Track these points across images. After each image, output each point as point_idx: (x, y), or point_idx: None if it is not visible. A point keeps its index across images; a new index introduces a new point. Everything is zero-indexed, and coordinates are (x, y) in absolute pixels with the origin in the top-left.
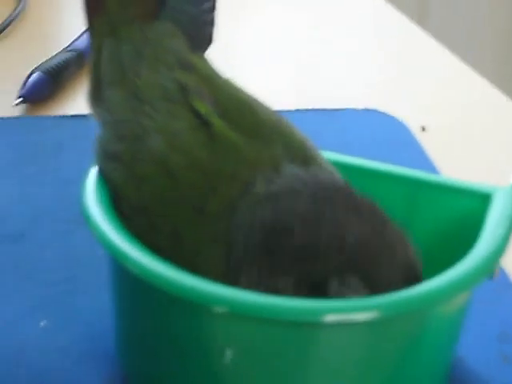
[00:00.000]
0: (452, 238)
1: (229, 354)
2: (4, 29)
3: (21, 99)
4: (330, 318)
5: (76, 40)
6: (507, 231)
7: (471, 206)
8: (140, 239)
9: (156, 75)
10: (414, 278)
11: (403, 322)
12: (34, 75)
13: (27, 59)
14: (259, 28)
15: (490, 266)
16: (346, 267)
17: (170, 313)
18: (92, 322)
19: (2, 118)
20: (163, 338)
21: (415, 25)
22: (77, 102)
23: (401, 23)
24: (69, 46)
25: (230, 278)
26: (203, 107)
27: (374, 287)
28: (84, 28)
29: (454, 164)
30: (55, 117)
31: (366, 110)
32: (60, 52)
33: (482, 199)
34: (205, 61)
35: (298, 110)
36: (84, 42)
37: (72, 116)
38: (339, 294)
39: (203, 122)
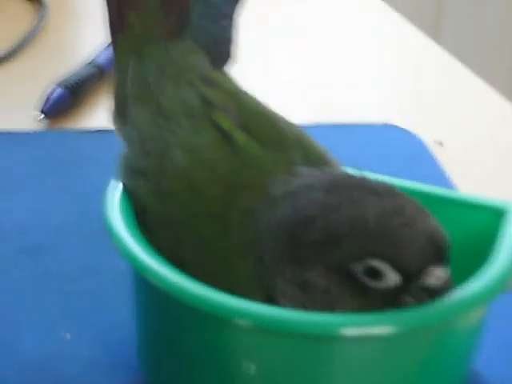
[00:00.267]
0: (467, 252)
1: (250, 366)
2: (26, 43)
3: (42, 114)
4: (349, 331)
5: (96, 55)
6: None
7: (486, 221)
8: (165, 253)
9: (179, 92)
10: (440, 248)
11: (421, 336)
12: (55, 90)
13: (48, 73)
14: (280, 43)
15: (507, 281)
16: (370, 249)
17: (193, 326)
18: (114, 333)
19: (24, 133)
20: (185, 350)
21: (431, 40)
22: (97, 116)
23: (417, 39)
24: (89, 60)
25: (260, 283)
26: (226, 122)
27: (401, 265)
28: (104, 43)
29: (471, 179)
30: (76, 131)
31: (384, 125)
32: (80, 67)
33: (497, 214)
34: (227, 76)
35: (316, 125)
36: (104, 56)
37: (92, 130)
38: (367, 278)
39: (226, 137)
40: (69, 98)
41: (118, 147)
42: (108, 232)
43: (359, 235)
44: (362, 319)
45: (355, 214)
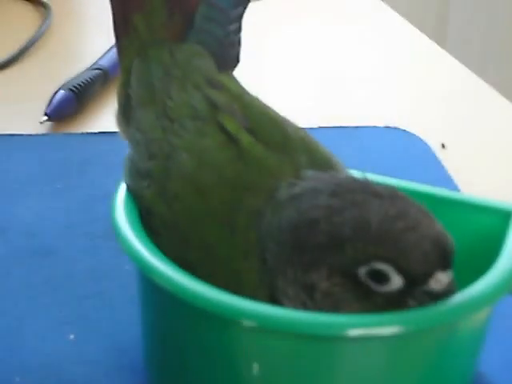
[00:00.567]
0: (472, 254)
1: (256, 367)
2: (29, 46)
3: (46, 117)
4: (355, 332)
5: (101, 58)
6: None
7: (491, 224)
8: (171, 255)
9: (185, 94)
10: (445, 253)
11: (426, 337)
12: (60, 93)
13: (52, 77)
14: (281, 47)
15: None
16: (374, 252)
17: (198, 326)
18: (120, 335)
19: (29, 135)
20: (191, 350)
21: (434, 43)
22: (101, 119)
23: (421, 42)
24: (93, 63)
25: (265, 285)
26: (232, 124)
27: (405, 269)
28: (108, 46)
29: (474, 181)
30: (81, 134)
31: (387, 128)
32: (85, 70)
33: (502, 216)
34: (233, 79)
35: (320, 128)
36: (109, 59)
37: (97, 133)
38: (371, 281)
39: (231, 139)
40: (73, 100)
41: (124, 150)
42: (114, 234)
43: (363, 238)
44: (368, 320)
45: (359, 217)
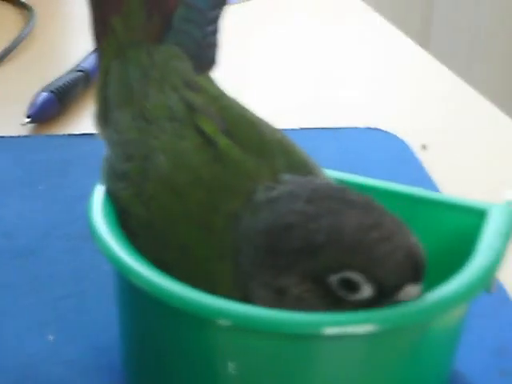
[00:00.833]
0: (449, 253)
1: (233, 366)
2: (12, 49)
3: (29, 119)
4: (330, 330)
5: (83, 60)
6: (502, 246)
7: (467, 222)
8: (148, 256)
9: (162, 96)
10: (417, 265)
11: (401, 335)
12: (42, 95)
13: (35, 79)
14: (262, 48)
15: (486, 280)
16: (347, 261)
17: (175, 326)
18: (98, 335)
19: (11, 137)
20: (168, 350)
21: (416, 44)
22: (83, 121)
23: (402, 43)
24: (76, 65)
25: (239, 287)
26: (209, 126)
27: (377, 279)
28: (91, 48)
29: (454, 182)
30: (62, 136)
31: (368, 129)
32: (67, 72)
33: (478, 215)
34: (210, 81)
35: (301, 129)
36: (91, 62)
37: (79, 135)
38: (342, 289)
39: (209, 141)
40: (55, 102)
41: (105, 151)
42: (91, 234)
43: (337, 247)
44: (344, 318)
45: (334, 225)
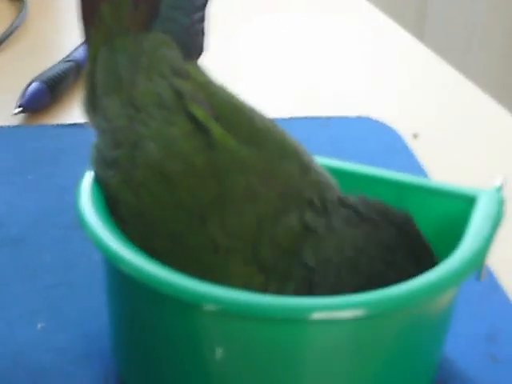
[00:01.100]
0: (438, 239)
1: (220, 351)
2: (4, 39)
3: (20, 109)
4: (318, 315)
5: (74, 50)
6: (491, 231)
7: (457, 208)
8: (137, 243)
9: (151, 83)
10: None
11: (390, 319)
12: (33, 85)
13: (27, 69)
14: (253, 37)
15: (474, 265)
16: None
17: (162, 312)
18: (88, 323)
19: (2, 127)
20: (156, 336)
21: (408, 33)
22: (75, 111)
23: (394, 32)
24: (67, 56)
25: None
26: (200, 112)
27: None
28: (82, 39)
29: (445, 170)
30: (53, 125)
31: (359, 118)
32: (59, 62)
33: (468, 202)
34: (198, 68)
35: (292, 118)
36: (82, 52)
37: (70, 125)
38: None
39: (199, 128)
40: (47, 92)
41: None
42: (78, 219)
43: None
44: (330, 302)
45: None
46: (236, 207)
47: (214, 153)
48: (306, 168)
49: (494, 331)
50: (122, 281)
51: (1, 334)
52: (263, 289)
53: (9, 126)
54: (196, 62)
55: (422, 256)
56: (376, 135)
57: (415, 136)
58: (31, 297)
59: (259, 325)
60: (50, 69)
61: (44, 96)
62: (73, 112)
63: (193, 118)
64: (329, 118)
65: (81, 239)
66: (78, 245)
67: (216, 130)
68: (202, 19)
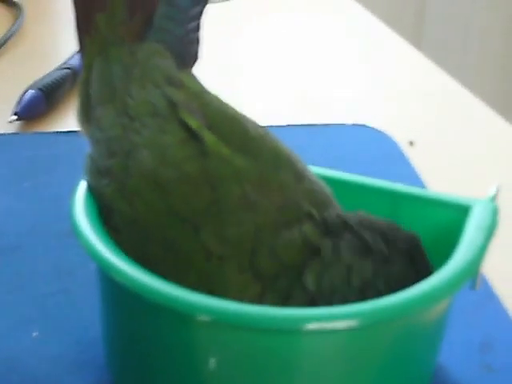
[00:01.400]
0: (432, 248)
1: (213, 362)
2: (0, 46)
3: (16, 116)
4: (312, 326)
5: (71, 58)
6: (484, 241)
7: (451, 218)
8: (131, 252)
9: (145, 92)
10: None
11: (384, 329)
12: (29, 92)
13: (23, 76)
14: (249, 46)
15: (468, 275)
16: None
17: (155, 322)
18: (83, 332)
19: None
20: (149, 346)
21: (405, 41)
22: (70, 119)
23: (390, 40)
24: (63, 63)
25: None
26: (194, 121)
27: None
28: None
29: (441, 178)
30: (49, 133)
31: (355, 125)
32: (55, 69)
33: (462, 211)
34: (192, 78)
35: (288, 125)
36: (78, 60)
37: (66, 132)
38: None
39: (193, 136)
40: (42, 100)
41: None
42: (73, 230)
43: None
44: (323, 313)
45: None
46: (230, 215)
47: (207, 161)
48: (300, 177)
49: (488, 340)
50: (115, 291)
51: None
52: (259, 298)
53: (4, 134)
54: (190, 71)
55: (424, 276)
56: (372, 143)
57: (411, 143)
58: (25, 305)
59: (253, 335)
60: (46, 76)
61: (40, 104)
62: (69, 119)
63: (186, 127)
64: (325, 126)
65: (76, 248)
66: (73, 253)
67: (209, 138)
68: (197, 28)
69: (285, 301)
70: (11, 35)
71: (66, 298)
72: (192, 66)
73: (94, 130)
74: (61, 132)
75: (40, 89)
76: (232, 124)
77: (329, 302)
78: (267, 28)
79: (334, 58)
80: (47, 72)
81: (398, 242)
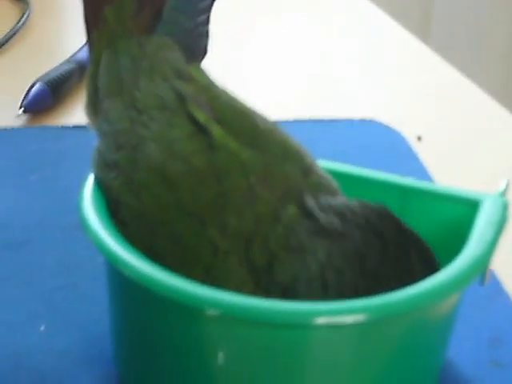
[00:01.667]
0: (442, 243)
1: (222, 356)
2: (8, 40)
3: (23, 110)
4: (320, 320)
5: (78, 52)
6: (494, 236)
7: (461, 213)
8: (139, 246)
9: (153, 86)
10: None
11: (392, 324)
12: (36, 86)
13: (30, 70)
14: (258, 40)
15: (478, 270)
16: None
17: (164, 316)
18: (90, 326)
19: (5, 129)
20: (158, 340)
21: (413, 36)
22: (78, 113)
23: (398, 34)
24: (70, 57)
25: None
26: (202, 115)
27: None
28: (85, 40)
29: (449, 173)
30: (56, 127)
31: (363, 120)
32: (62, 63)
33: (472, 206)
34: (201, 71)
35: (296, 120)
36: (85, 53)
37: (73, 126)
38: None
39: (200, 129)
40: (49, 93)
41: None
42: (81, 223)
43: None
44: (333, 307)
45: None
46: (235, 209)
47: (214, 154)
48: (307, 171)
49: (497, 335)
50: (124, 284)
51: (3, 336)
52: (253, 292)
53: (12, 128)
54: (199, 65)
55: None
56: (380, 138)
57: (419, 138)
58: (33, 299)
59: (262, 329)
60: (53, 70)
61: (47, 97)
62: (75, 113)
63: (194, 121)
64: (333, 121)
65: (84, 241)
66: (81, 247)
67: (217, 131)
68: (207, 22)
69: (267, 294)
70: (18, 29)
71: (74, 292)
72: (201, 60)
73: (102, 122)
74: (68, 126)
75: (47, 83)
76: (241, 118)
77: (295, 291)
78: (275, 22)
79: (341, 53)
80: (54, 66)
81: (356, 218)
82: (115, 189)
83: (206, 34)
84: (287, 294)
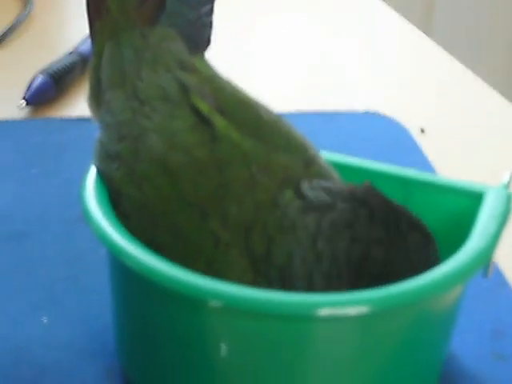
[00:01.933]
0: (445, 235)
1: (225, 348)
2: (10, 32)
3: (25, 102)
4: (324, 311)
5: (80, 43)
6: (498, 228)
7: (464, 205)
8: (141, 237)
9: (156, 76)
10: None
11: (395, 316)
12: (39, 78)
13: (32, 62)
14: (261, 32)
15: (481, 262)
16: None
17: (166, 307)
18: (92, 318)
19: (7, 121)
20: (160, 332)
21: (416, 28)
22: (80, 105)
23: (401, 27)
24: (73, 49)
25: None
26: (205, 106)
27: None
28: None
29: (452, 165)
30: (58, 119)
31: (366, 113)
32: (64, 55)
33: (475, 198)
34: (204, 62)
35: (299, 112)
36: (88, 45)
37: (75, 118)
38: None
39: (203, 120)
40: (52, 85)
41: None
42: (84, 215)
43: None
44: (336, 299)
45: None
46: (236, 199)
47: (216, 145)
48: (309, 161)
49: (500, 327)
50: (126, 276)
51: (5, 329)
52: (253, 281)
53: (14, 120)
54: (202, 56)
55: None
56: (383, 130)
57: (422, 131)
58: (35, 291)
59: (264, 321)
60: (56, 62)
61: (49, 89)
62: (78, 105)
63: (197, 112)
64: (336, 113)
65: (85, 233)
66: (82, 239)
67: (219, 122)
68: (210, 12)
69: (266, 279)
70: (21, 21)
71: (76, 285)
72: (204, 51)
73: (104, 114)
74: (70, 118)
75: (49, 74)
76: (245, 109)
77: (290, 269)
78: (278, 14)
79: (345, 44)
80: (56, 58)
81: (343, 192)
82: (117, 180)
83: (210, 25)
84: (284, 273)
